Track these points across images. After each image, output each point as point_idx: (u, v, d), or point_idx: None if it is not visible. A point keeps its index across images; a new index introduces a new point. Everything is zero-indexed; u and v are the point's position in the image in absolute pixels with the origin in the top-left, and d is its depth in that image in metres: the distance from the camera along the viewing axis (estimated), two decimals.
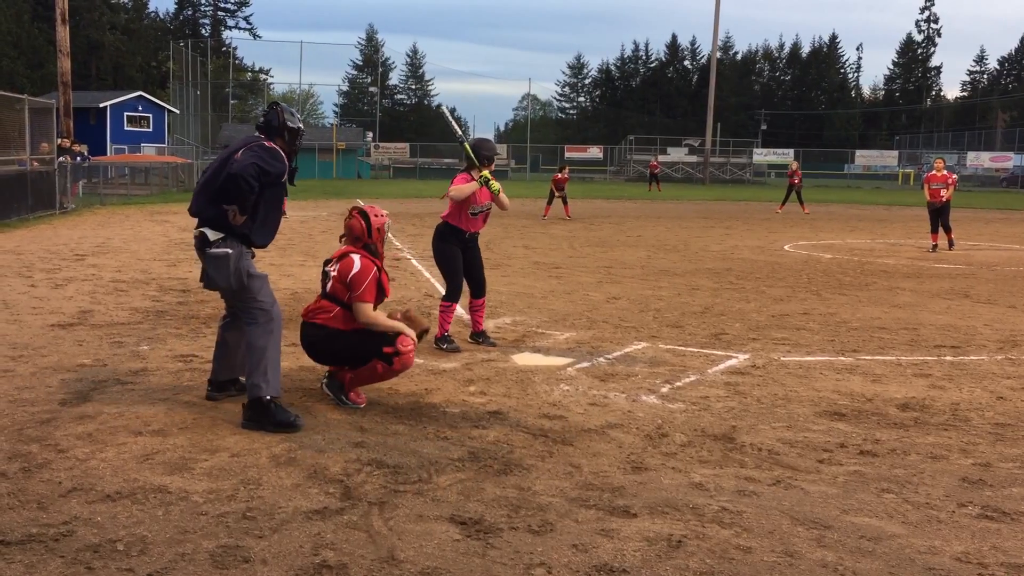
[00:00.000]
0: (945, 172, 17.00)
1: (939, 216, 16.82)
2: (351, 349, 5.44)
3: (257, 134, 5.37)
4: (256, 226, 5.25)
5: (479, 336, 7.62)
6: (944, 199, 16.67)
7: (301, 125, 5.53)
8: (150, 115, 57.97)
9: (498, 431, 5.18)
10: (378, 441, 4.93)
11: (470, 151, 7.35)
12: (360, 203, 5.80)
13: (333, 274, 5.54)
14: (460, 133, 7.54)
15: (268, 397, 5.08)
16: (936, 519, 4.06)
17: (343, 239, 5.72)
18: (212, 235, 5.14)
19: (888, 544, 3.77)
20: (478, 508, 4.03)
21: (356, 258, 5.50)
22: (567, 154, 68.45)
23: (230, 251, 5.14)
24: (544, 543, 3.69)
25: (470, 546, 3.65)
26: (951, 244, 17.04)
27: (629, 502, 4.15)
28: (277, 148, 5.25)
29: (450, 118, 8.03)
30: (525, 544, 3.68)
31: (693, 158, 68.01)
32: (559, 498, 4.18)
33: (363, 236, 5.62)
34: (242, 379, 5.77)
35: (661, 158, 59.56)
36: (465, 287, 7.61)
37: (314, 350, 5.59)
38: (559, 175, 24.71)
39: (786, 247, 17.51)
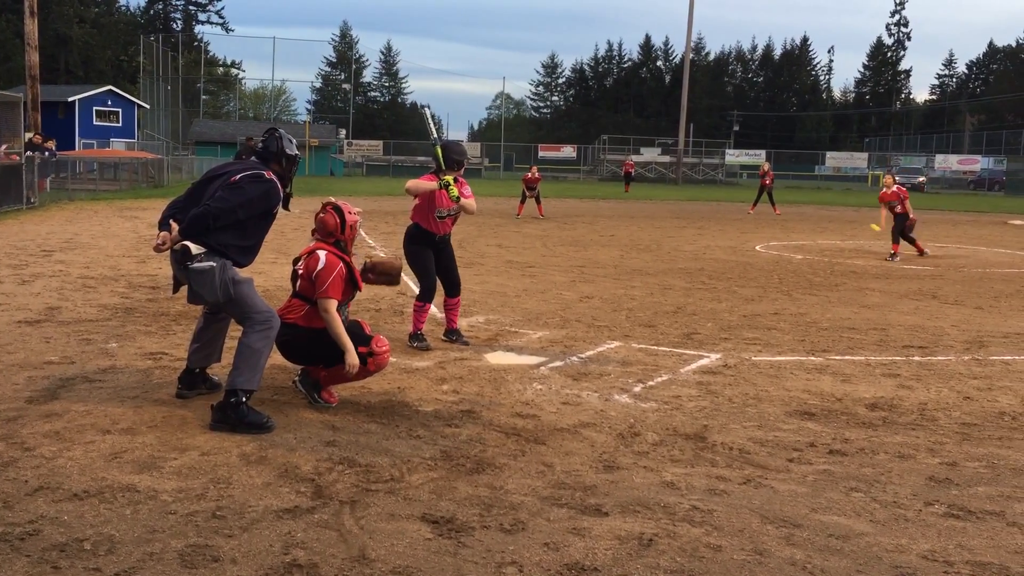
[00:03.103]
0: (895, 188, 16.14)
1: (898, 227, 16.05)
2: (324, 348, 5.40)
3: (254, 159, 5.42)
4: (241, 246, 5.22)
5: (452, 334, 7.62)
6: (899, 212, 15.95)
7: (298, 153, 5.58)
8: (120, 110, 57.20)
9: (471, 430, 5.18)
10: (350, 440, 4.91)
11: (439, 154, 7.35)
12: (333, 199, 5.77)
13: (301, 272, 5.51)
14: (435, 136, 7.54)
15: (246, 389, 5.04)
16: (903, 518, 4.11)
17: (315, 233, 5.69)
18: (196, 249, 5.06)
19: (856, 542, 3.81)
20: (450, 507, 4.03)
21: (322, 254, 5.45)
22: (540, 153, 68.59)
23: (213, 264, 5.08)
24: (516, 542, 3.69)
25: (442, 545, 3.64)
26: (893, 255, 15.88)
27: (601, 501, 4.16)
28: (274, 181, 5.28)
29: (430, 120, 8.02)
30: (497, 543, 3.68)
31: (666, 158, 68.33)
32: (531, 497, 4.19)
33: (336, 232, 5.58)
34: (213, 378, 5.72)
35: (634, 158, 59.76)
36: (440, 287, 7.61)
37: (287, 349, 5.54)
38: (529, 175, 24.86)
39: (757, 247, 17.64)
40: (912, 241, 16.38)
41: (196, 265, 5.07)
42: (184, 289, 5.36)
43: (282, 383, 5.95)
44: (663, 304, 10.07)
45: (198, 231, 5.05)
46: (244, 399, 5.03)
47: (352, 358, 5.30)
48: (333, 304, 5.35)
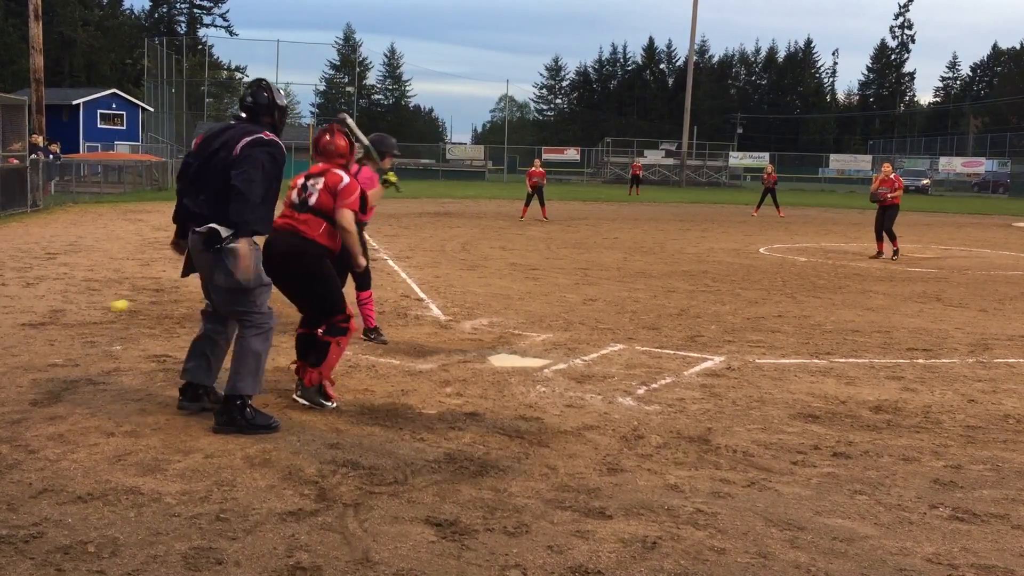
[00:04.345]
0: (892, 176, 16.47)
1: (882, 221, 16.31)
2: (320, 282, 5.44)
3: (243, 114, 5.15)
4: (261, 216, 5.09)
5: (371, 332, 7.52)
6: (888, 201, 16.19)
7: (287, 102, 5.47)
8: (124, 113, 57.39)
9: (474, 432, 5.18)
10: (353, 442, 4.91)
11: (373, 151, 7.27)
12: (343, 115, 5.85)
13: (319, 187, 5.48)
14: (367, 142, 7.45)
15: (248, 394, 5.01)
16: (908, 520, 4.10)
17: (317, 157, 5.72)
18: (224, 231, 4.83)
19: (860, 545, 3.80)
20: (454, 510, 4.02)
21: (344, 174, 5.56)
22: (544, 155, 68.42)
23: (256, 243, 4.95)
24: (519, 544, 3.69)
25: (445, 547, 3.64)
26: (895, 253, 16.17)
27: (604, 504, 4.16)
28: (275, 140, 5.03)
29: (355, 127, 7.83)
30: (500, 545, 3.67)
31: (670, 161, 68.29)
32: (535, 500, 4.18)
33: (345, 155, 5.66)
34: (219, 391, 5.57)
35: (639, 160, 59.77)
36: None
37: (284, 261, 5.35)
38: (532, 168, 24.43)
39: (761, 250, 17.62)
40: (881, 238, 16.39)
41: (232, 244, 4.82)
42: (188, 290, 5.33)
43: (285, 386, 5.95)
44: (667, 306, 10.06)
45: (251, 218, 4.84)
46: (248, 401, 5.03)
47: (362, 261, 5.76)
48: (352, 216, 5.49)
